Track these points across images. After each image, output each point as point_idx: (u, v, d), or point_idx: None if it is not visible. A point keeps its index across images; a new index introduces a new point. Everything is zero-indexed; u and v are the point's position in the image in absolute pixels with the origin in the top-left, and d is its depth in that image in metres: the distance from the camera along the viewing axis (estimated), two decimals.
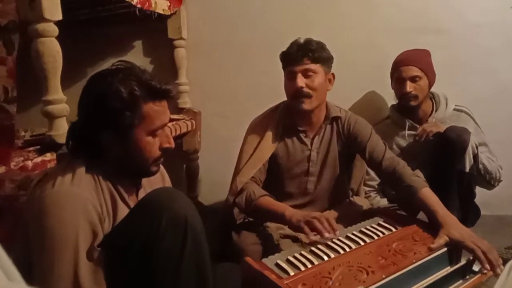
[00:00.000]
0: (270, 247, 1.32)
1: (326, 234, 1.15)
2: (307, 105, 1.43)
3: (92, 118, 0.95)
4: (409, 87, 1.75)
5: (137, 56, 2.26)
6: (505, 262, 1.12)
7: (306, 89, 1.41)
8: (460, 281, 1.16)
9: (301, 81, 1.41)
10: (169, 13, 2.04)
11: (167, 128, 1.02)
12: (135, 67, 0.98)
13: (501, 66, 2.05)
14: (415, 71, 1.75)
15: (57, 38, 1.22)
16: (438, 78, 1.83)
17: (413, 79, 1.75)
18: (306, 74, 1.41)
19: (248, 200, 1.38)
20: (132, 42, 2.29)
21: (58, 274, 0.83)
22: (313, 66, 1.41)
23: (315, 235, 1.18)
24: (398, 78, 1.80)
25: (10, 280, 0.35)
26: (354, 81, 2.08)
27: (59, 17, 1.22)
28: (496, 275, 1.11)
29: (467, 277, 1.17)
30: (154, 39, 2.25)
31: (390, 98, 1.97)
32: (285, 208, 1.31)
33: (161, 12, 1.93)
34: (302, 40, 1.45)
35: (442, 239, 1.15)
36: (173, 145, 1.03)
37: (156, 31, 2.16)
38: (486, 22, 2.03)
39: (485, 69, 2.06)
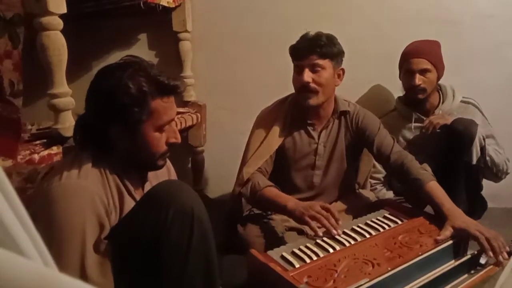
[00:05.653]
0: (275, 239, 1.33)
1: (334, 232, 1.16)
2: (313, 100, 1.42)
3: (99, 112, 0.95)
4: (418, 80, 1.72)
5: (142, 49, 2.26)
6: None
7: (312, 84, 1.40)
8: (467, 274, 1.16)
9: (307, 76, 1.39)
10: (174, 6, 2.03)
11: (173, 122, 1.02)
12: (144, 62, 0.98)
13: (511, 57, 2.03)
14: (425, 63, 1.72)
15: (62, 31, 1.23)
16: (447, 68, 1.80)
17: (423, 72, 1.72)
18: (313, 69, 1.40)
19: (253, 190, 1.38)
20: (137, 35, 2.28)
21: (65, 266, 0.84)
22: (321, 61, 1.40)
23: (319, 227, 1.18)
24: (407, 70, 1.77)
25: (46, 266, 0.35)
26: (364, 73, 2.06)
27: (64, 10, 1.22)
28: (498, 262, 1.12)
29: (473, 270, 1.17)
30: (159, 32, 2.24)
31: (397, 90, 1.95)
32: (287, 199, 1.31)
33: (166, 4, 1.92)
34: (311, 34, 1.43)
35: (448, 231, 1.16)
36: (179, 140, 1.03)
37: (161, 24, 2.15)
38: (498, 13, 1.99)
39: (496, 61, 2.03)
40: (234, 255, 1.37)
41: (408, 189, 1.52)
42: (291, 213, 1.26)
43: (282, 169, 1.53)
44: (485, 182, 1.76)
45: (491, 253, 1.11)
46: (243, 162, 1.51)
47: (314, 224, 1.18)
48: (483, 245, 1.12)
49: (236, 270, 1.22)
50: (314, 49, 1.39)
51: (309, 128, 1.51)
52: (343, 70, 1.48)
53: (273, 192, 1.36)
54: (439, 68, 1.76)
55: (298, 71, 1.43)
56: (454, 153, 1.63)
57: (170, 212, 0.89)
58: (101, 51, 2.25)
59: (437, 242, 1.13)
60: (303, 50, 1.41)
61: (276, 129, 1.50)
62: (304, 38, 1.43)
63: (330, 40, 1.42)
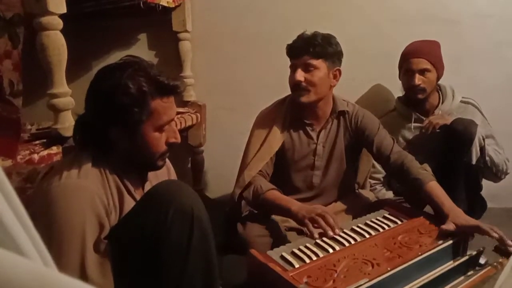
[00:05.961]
0: (275, 239, 1.33)
1: (330, 233, 1.16)
2: (304, 98, 1.42)
3: (99, 112, 0.95)
4: (418, 80, 1.72)
5: (142, 49, 2.26)
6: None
7: (304, 84, 1.40)
8: (467, 275, 1.16)
9: (300, 75, 1.40)
10: (174, 6, 2.03)
11: (173, 122, 1.02)
12: (143, 62, 0.98)
13: (511, 57, 2.03)
14: (424, 63, 1.72)
15: (62, 31, 1.23)
16: (447, 68, 1.80)
17: (422, 72, 1.73)
18: (306, 68, 1.41)
19: (256, 194, 1.38)
20: (136, 35, 2.28)
21: (65, 266, 0.84)
22: (314, 61, 1.40)
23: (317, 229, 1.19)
24: (407, 70, 1.77)
25: (46, 266, 0.35)
26: (364, 73, 2.07)
27: (64, 10, 1.22)
28: (508, 246, 1.11)
29: (473, 271, 1.17)
30: (158, 32, 2.24)
31: (397, 90, 1.95)
32: (291, 202, 1.31)
33: (166, 4, 1.92)
34: (308, 34, 1.44)
35: (450, 225, 1.16)
36: (179, 140, 1.03)
37: (160, 24, 2.15)
38: (498, 12, 2.00)
39: (496, 60, 2.03)
40: (234, 255, 1.37)
41: (408, 189, 1.53)
42: (295, 216, 1.26)
43: (281, 169, 1.52)
44: (484, 182, 1.76)
45: (495, 234, 1.11)
46: (243, 164, 1.50)
47: (312, 228, 1.18)
48: (486, 231, 1.11)
49: (236, 270, 1.22)
50: (307, 48, 1.39)
51: (308, 129, 1.51)
52: (339, 70, 1.47)
53: (276, 195, 1.37)
54: (439, 68, 1.76)
55: (292, 70, 1.45)
56: (453, 153, 1.63)
57: (170, 212, 0.89)
58: (100, 51, 2.25)
59: (441, 232, 1.14)
60: (297, 49, 1.42)
61: (275, 130, 1.50)
62: (300, 37, 1.44)
63: (326, 40, 1.42)
